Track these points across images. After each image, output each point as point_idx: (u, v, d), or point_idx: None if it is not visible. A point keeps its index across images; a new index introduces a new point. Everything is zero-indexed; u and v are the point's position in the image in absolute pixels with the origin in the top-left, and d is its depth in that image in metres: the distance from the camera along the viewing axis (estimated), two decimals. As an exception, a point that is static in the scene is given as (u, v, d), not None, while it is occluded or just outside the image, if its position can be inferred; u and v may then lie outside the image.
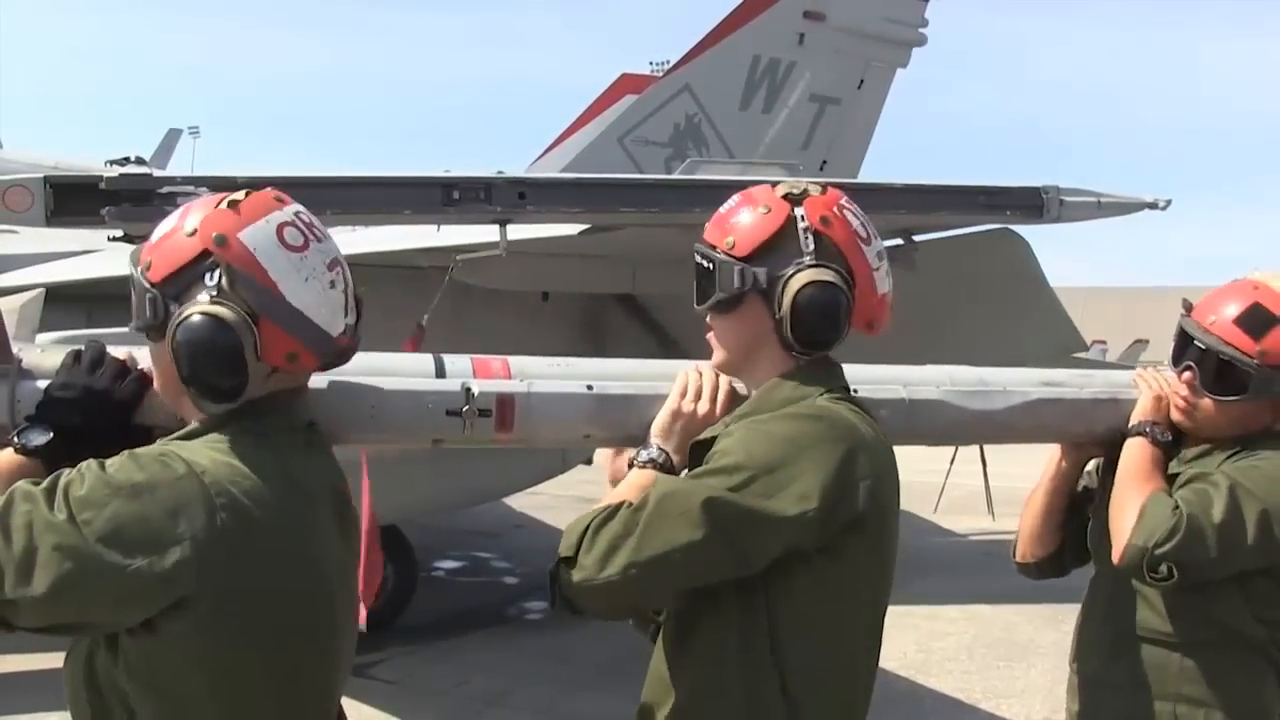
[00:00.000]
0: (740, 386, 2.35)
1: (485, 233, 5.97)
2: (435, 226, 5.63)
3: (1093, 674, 2.80)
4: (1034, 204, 5.71)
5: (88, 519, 1.72)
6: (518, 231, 5.17)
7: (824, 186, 2.33)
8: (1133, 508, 2.54)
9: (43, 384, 2.07)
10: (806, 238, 2.21)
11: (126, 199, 4.09)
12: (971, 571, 10.05)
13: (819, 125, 11.92)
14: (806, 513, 2.05)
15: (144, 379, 2.07)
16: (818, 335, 2.21)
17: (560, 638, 8.12)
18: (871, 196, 5.77)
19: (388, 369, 2.31)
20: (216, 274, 1.86)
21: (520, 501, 11.70)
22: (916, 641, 8.21)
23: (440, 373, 2.33)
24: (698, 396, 2.30)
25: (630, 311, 8.49)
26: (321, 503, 1.97)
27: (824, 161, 11.82)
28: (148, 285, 1.90)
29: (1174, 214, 6.41)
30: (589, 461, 8.69)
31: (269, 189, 2.01)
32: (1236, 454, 2.65)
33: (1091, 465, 2.95)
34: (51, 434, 1.98)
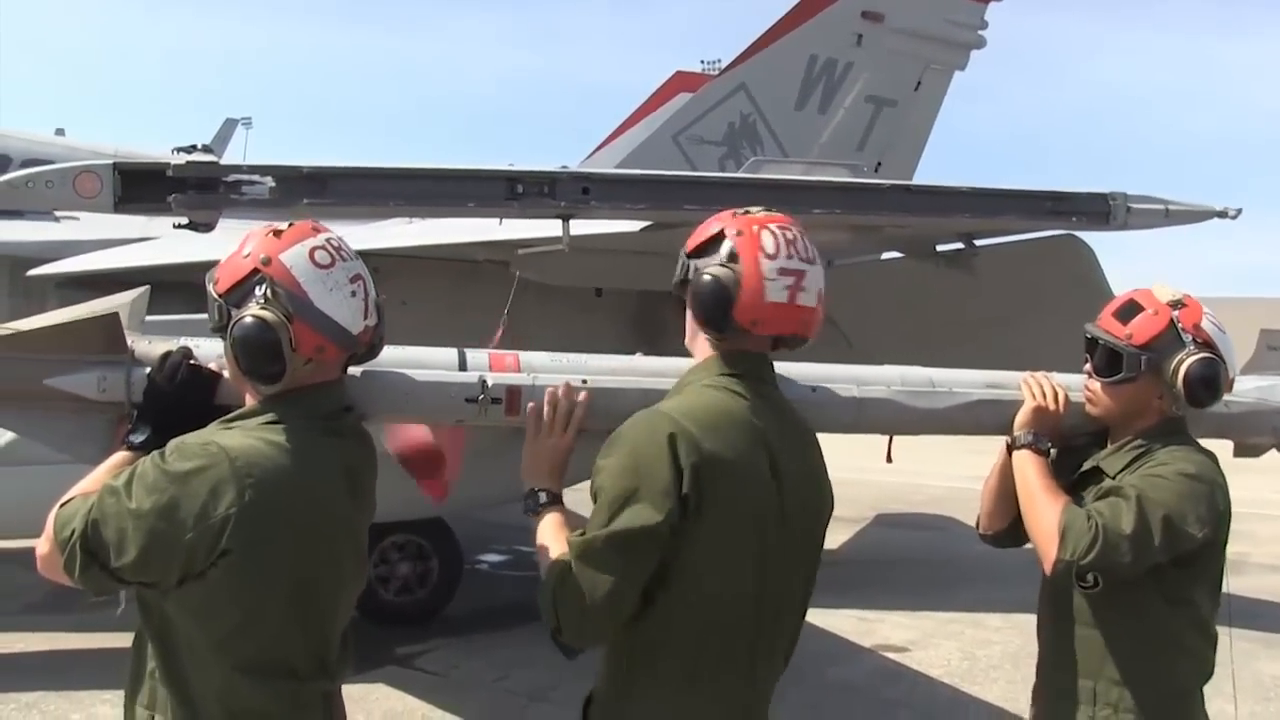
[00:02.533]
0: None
1: (541, 228, 5.95)
2: (497, 220, 5.62)
3: (1041, 655, 3.19)
4: (1100, 210, 5.59)
5: (153, 503, 2.32)
6: (577, 227, 5.14)
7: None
8: (1049, 521, 2.93)
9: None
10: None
11: (192, 186, 4.10)
12: (1015, 580, 9.87)
13: (875, 126, 11.82)
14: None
15: (213, 376, 2.66)
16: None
17: (604, 635, 8.12)
18: (934, 199, 5.70)
19: (420, 362, 2.81)
20: (263, 286, 2.44)
21: (564, 497, 11.70)
22: (961, 649, 8.14)
23: (462, 366, 2.84)
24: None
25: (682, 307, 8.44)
26: (332, 476, 2.51)
27: (879, 163, 11.72)
28: (215, 296, 2.50)
29: (1232, 222, 6.26)
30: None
31: (308, 221, 2.57)
32: (1142, 454, 3.04)
33: None
34: (150, 432, 2.57)
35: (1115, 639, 2.99)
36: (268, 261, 2.45)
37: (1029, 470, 3.06)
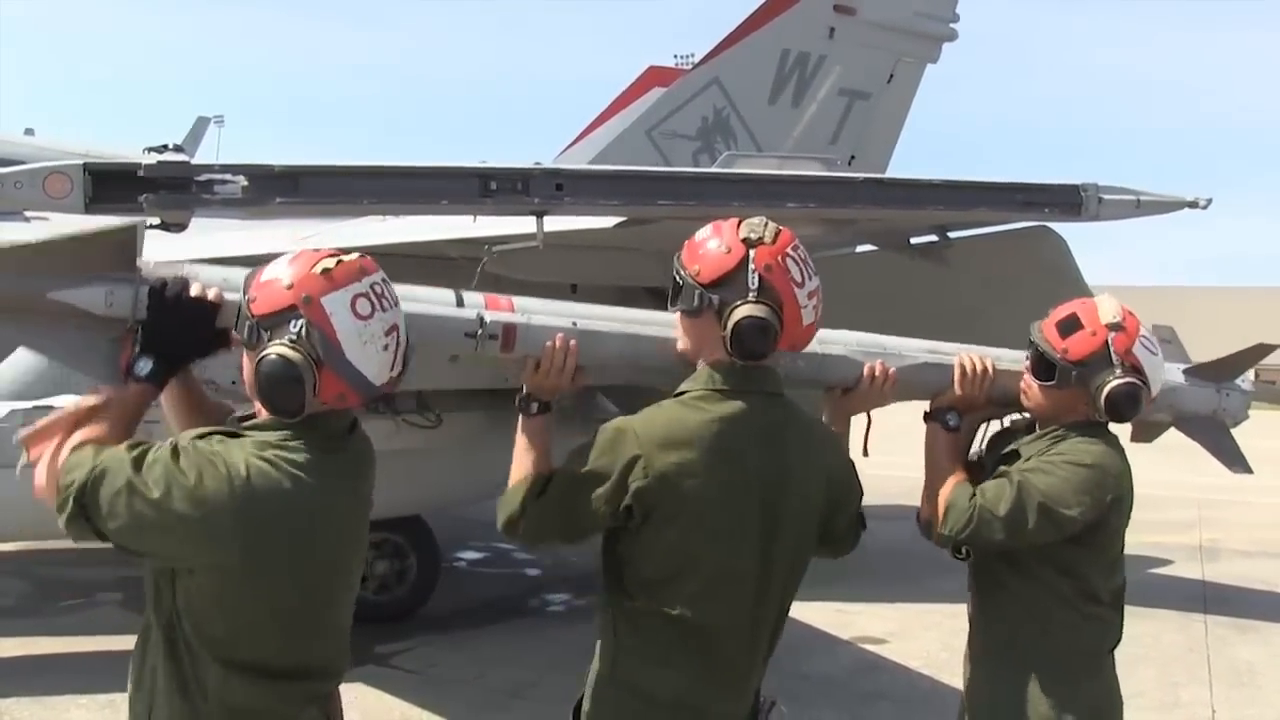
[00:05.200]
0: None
1: (516, 224, 5.92)
2: (471, 218, 5.60)
3: (969, 620, 3.56)
4: (1072, 202, 5.60)
5: (158, 495, 2.34)
6: (550, 223, 5.12)
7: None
8: (940, 494, 3.33)
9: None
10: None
11: (164, 186, 4.05)
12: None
13: (848, 120, 11.85)
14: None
15: (212, 304, 2.67)
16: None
17: (583, 629, 8.08)
18: (907, 192, 5.71)
19: (420, 297, 2.93)
20: (299, 324, 2.44)
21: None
22: (940, 640, 8.17)
23: (460, 304, 2.99)
24: None
25: (660, 303, 8.43)
26: (332, 493, 2.51)
27: (852, 156, 11.75)
28: (249, 314, 2.50)
29: (1203, 212, 6.31)
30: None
31: (363, 257, 2.58)
32: (1056, 442, 3.36)
33: (979, 435, 3.66)
34: (154, 362, 2.61)
35: (1020, 605, 3.35)
36: (309, 302, 2.45)
37: (935, 444, 3.45)
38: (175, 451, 2.41)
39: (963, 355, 3.47)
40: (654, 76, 13.77)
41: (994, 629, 3.45)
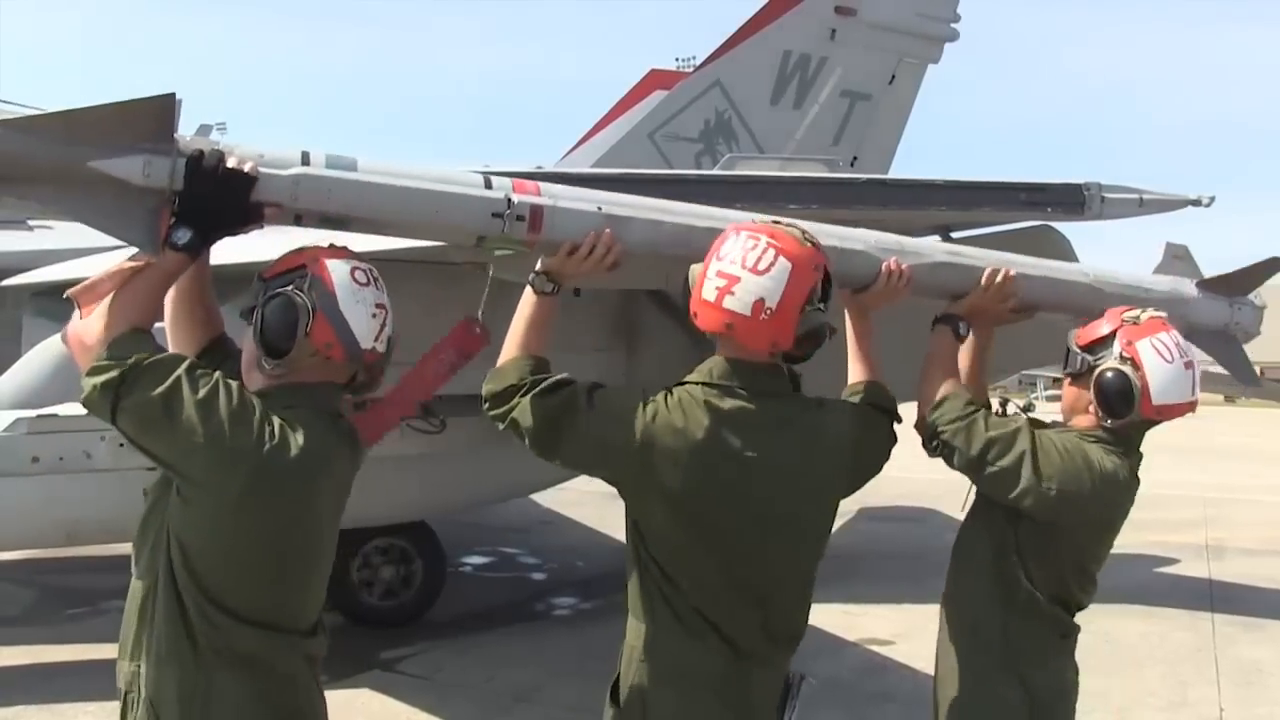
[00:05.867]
0: None
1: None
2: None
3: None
4: (1075, 201, 5.65)
5: (202, 396, 2.57)
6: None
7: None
8: (935, 387, 3.35)
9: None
10: None
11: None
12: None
13: (850, 121, 11.85)
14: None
15: (249, 175, 2.75)
16: None
17: (589, 633, 8.11)
18: (910, 193, 5.72)
19: (449, 179, 3.01)
20: (304, 279, 2.73)
21: (548, 498, 11.71)
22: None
23: (488, 185, 3.04)
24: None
25: (662, 306, 8.45)
26: (319, 462, 2.70)
27: (855, 157, 11.75)
28: (261, 279, 2.79)
29: (1206, 210, 6.31)
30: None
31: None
32: (1076, 435, 3.32)
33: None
34: (192, 232, 2.72)
35: (976, 597, 3.41)
36: (315, 261, 2.76)
37: (942, 347, 3.46)
38: (226, 381, 2.65)
39: (991, 271, 3.49)
40: (656, 79, 13.78)
41: (955, 620, 3.50)
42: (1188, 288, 4.04)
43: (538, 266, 3.04)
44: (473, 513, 10.02)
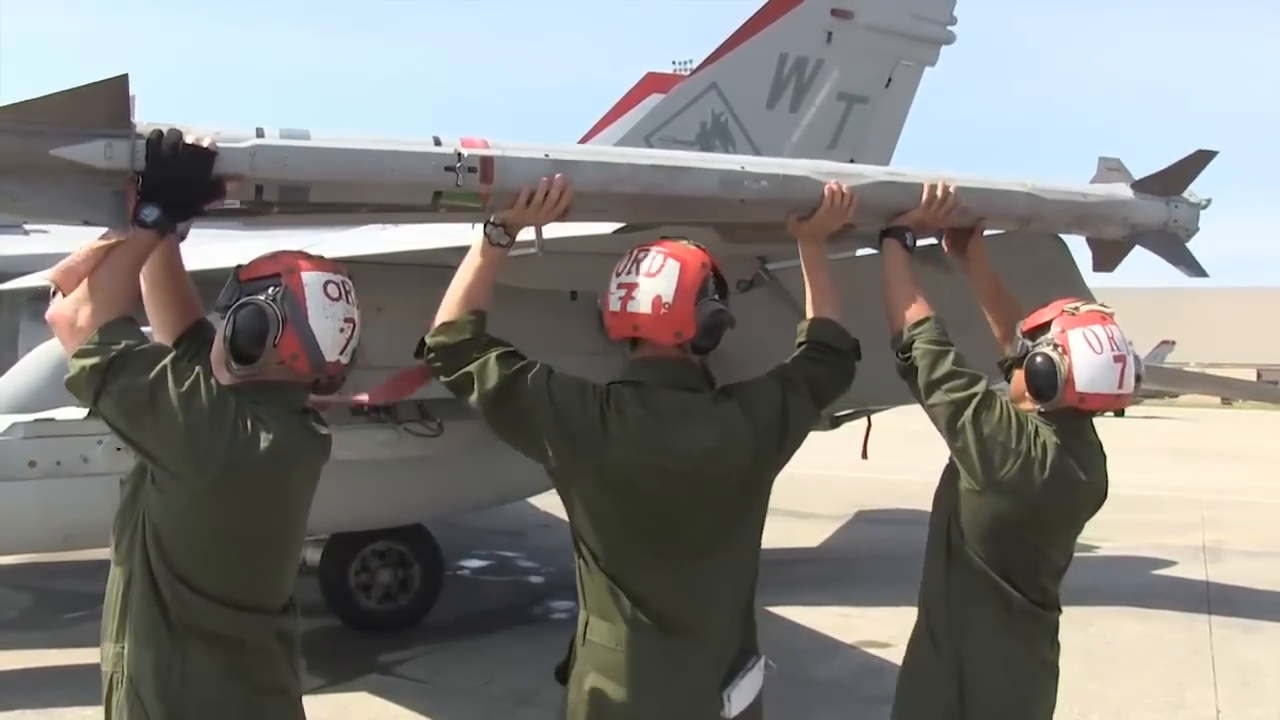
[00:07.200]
0: None
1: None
2: (470, 225, 5.61)
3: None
4: (1072, 202, 5.62)
5: (185, 390, 2.66)
6: (549, 230, 5.13)
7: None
8: (914, 309, 3.50)
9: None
10: None
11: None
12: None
13: (846, 124, 11.83)
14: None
15: (208, 151, 2.79)
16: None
17: (587, 637, 8.10)
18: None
19: (402, 141, 3.11)
20: (277, 289, 2.84)
21: (545, 501, 11.68)
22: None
23: (438, 143, 3.14)
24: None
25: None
26: (289, 454, 2.82)
27: (851, 160, 11.75)
28: (237, 280, 2.90)
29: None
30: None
31: (339, 264, 2.97)
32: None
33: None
34: (159, 209, 2.78)
35: (934, 564, 3.62)
36: (291, 271, 2.87)
37: (898, 260, 3.64)
38: (207, 377, 2.76)
39: (930, 184, 3.66)
40: (652, 83, 13.81)
41: (920, 597, 3.70)
42: (1123, 190, 4.29)
43: (492, 219, 3.17)
44: (470, 516, 10.01)
